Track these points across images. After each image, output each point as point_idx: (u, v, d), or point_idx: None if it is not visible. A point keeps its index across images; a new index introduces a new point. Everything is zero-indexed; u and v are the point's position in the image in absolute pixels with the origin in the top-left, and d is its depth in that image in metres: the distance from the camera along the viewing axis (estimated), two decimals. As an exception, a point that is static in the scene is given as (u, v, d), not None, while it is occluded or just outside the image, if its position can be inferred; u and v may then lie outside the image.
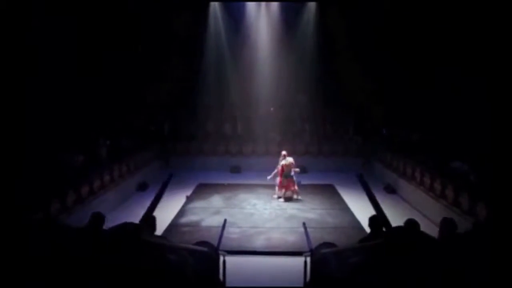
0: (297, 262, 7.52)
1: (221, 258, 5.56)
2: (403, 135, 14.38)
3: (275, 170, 11.84)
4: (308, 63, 17.44)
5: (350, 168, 15.64)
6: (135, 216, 4.89)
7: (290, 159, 11.46)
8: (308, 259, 5.33)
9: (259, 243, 8.54)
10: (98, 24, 13.78)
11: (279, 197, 11.67)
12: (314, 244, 5.47)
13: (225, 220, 6.29)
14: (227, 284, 5.97)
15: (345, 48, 17.43)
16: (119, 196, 11.26)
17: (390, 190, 12.76)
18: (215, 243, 6.01)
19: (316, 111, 17.75)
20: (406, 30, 14.96)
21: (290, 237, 8.85)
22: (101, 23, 13.92)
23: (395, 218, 4.50)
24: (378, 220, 4.17)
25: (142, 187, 12.87)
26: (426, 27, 14.03)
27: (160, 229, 7.34)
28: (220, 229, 9.07)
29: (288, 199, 11.56)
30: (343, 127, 17.29)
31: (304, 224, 6.32)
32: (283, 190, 11.55)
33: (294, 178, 11.58)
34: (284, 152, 11.64)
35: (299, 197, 11.66)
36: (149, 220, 4.19)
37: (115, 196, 11.02)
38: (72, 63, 12.47)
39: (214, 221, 9.85)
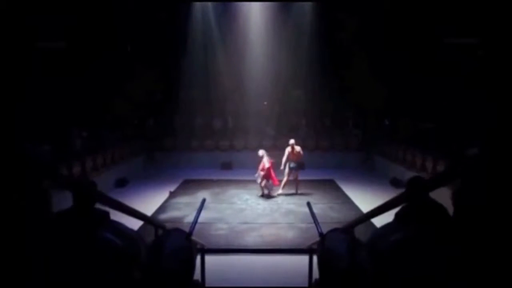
0: (297, 261, 6.29)
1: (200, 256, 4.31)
2: (408, 125, 13.18)
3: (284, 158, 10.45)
4: (304, 56, 16.22)
5: (350, 163, 14.55)
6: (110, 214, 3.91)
7: (298, 148, 10.29)
8: (315, 255, 4.13)
9: (250, 240, 7.24)
10: (88, 22, 12.86)
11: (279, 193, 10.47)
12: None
13: (203, 200, 5.00)
14: (209, 284, 4.72)
15: (345, 38, 16.28)
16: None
17: (397, 184, 11.50)
18: (200, 241, 4.75)
19: (313, 104, 16.52)
20: (408, 18, 13.90)
21: (288, 233, 7.57)
22: (91, 21, 12.97)
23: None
24: (422, 181, 2.88)
25: (121, 183, 11.52)
26: (430, 13, 12.99)
27: (135, 225, 6.08)
28: (207, 225, 8.00)
29: (279, 194, 10.37)
30: (342, 120, 16.06)
31: (308, 203, 5.05)
32: (285, 179, 10.40)
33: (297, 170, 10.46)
34: (292, 141, 10.41)
35: (299, 191, 10.47)
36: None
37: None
38: (60, 57, 11.65)
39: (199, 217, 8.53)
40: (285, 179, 10.36)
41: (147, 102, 15.87)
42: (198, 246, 4.48)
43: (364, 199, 9.99)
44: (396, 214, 3.17)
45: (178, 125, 15.79)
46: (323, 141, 15.16)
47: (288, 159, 10.29)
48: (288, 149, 10.31)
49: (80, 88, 12.71)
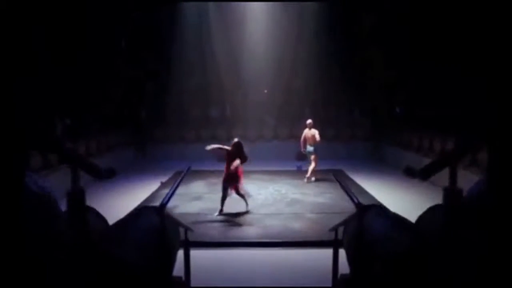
0: (308, 255, 5.22)
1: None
2: (423, 112, 12.11)
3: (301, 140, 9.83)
4: (308, 43, 15.09)
5: (358, 153, 13.50)
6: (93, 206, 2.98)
7: (314, 131, 9.50)
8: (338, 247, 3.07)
9: (251, 232, 6.15)
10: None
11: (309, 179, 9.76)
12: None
13: (188, 168, 3.93)
14: (202, 283, 3.67)
15: (350, 24, 15.17)
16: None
17: (411, 173, 10.37)
18: (193, 234, 3.68)
19: (317, 93, 15.41)
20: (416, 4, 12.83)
21: (295, 224, 6.48)
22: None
23: (426, 206, 2.79)
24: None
25: (108, 174, 10.39)
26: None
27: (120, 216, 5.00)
28: (200, 216, 6.81)
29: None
30: (348, 109, 14.99)
31: (333, 172, 3.98)
32: (312, 166, 9.74)
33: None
34: (309, 121, 9.63)
35: (305, 181, 9.73)
36: None
37: (67, 179, 8.53)
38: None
39: (192, 207, 7.54)
40: (311, 167, 9.72)
41: (139, 92, 14.84)
42: (183, 233, 3.38)
43: (378, 189, 8.97)
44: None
45: (172, 115, 14.71)
46: (329, 131, 14.06)
47: (304, 142, 9.61)
48: (305, 130, 9.60)
49: (68, 75, 11.69)
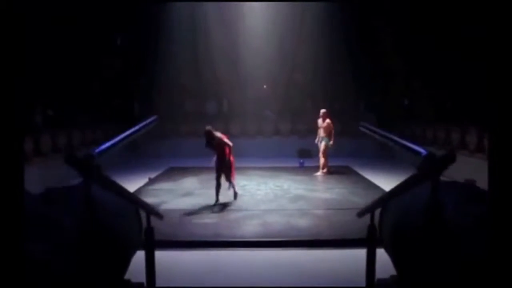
0: (312, 256, 4.31)
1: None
2: (435, 103, 11.23)
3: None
4: (310, 35, 14.22)
5: (366, 150, 12.54)
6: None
7: (328, 121, 9.04)
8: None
9: (249, 230, 5.22)
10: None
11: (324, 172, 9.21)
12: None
13: (155, 118, 3.10)
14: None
15: (355, 16, 14.29)
16: (51, 175, 7.88)
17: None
18: (180, 232, 2.77)
19: (320, 86, 14.52)
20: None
21: (300, 221, 5.54)
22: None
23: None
24: None
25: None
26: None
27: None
28: (190, 212, 5.78)
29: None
30: (353, 103, 14.09)
31: (361, 124, 3.14)
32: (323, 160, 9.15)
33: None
34: (323, 110, 9.10)
35: (318, 173, 9.15)
36: None
37: (45, 174, 7.65)
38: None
39: (181, 203, 6.64)
40: (322, 159, 9.12)
41: (132, 85, 13.99)
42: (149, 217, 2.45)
43: (389, 184, 7.98)
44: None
45: (166, 109, 13.81)
46: (334, 126, 13.15)
47: (318, 133, 9.12)
48: (319, 120, 9.10)
49: (56, 67, 10.83)
